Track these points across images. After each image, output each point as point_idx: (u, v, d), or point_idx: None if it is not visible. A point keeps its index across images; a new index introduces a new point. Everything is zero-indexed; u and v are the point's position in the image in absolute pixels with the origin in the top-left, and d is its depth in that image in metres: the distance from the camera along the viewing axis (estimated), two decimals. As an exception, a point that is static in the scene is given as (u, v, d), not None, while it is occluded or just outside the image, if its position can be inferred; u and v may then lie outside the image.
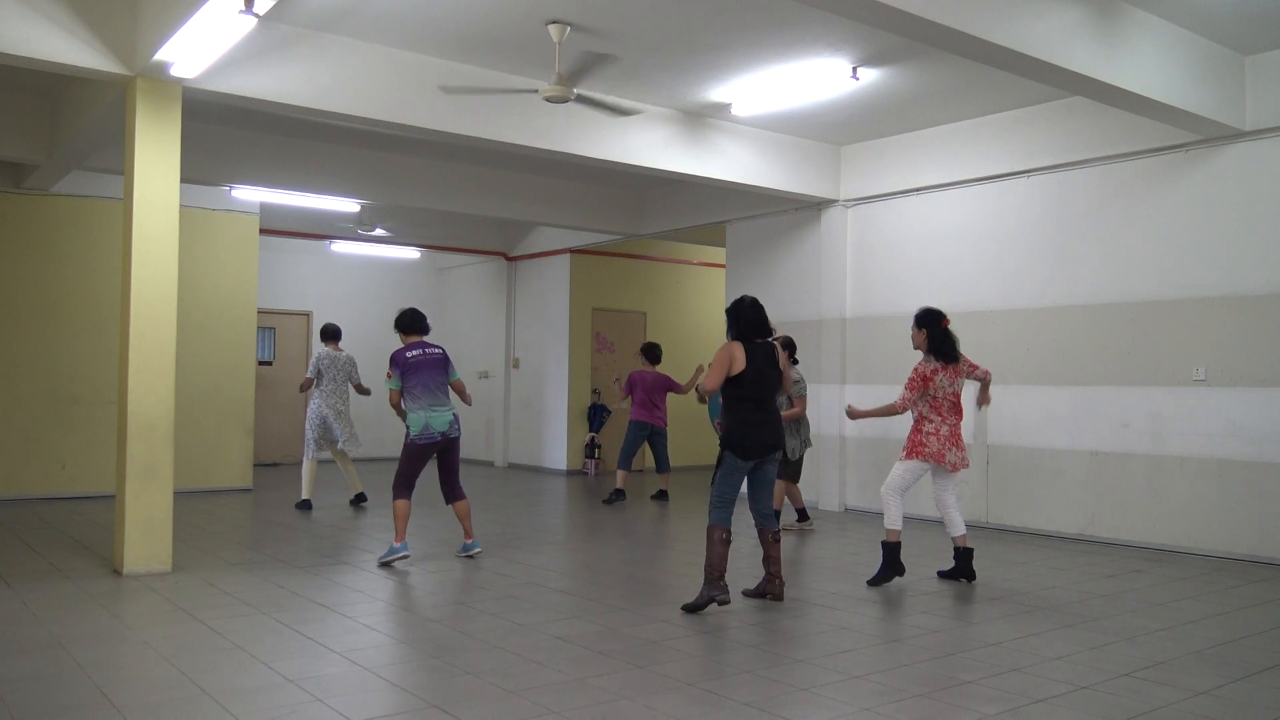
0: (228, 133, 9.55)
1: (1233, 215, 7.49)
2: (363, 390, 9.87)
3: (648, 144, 8.75)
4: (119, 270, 7.68)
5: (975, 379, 6.50)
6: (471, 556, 7.09)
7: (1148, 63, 6.60)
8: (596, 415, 13.83)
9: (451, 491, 7.14)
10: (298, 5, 6.41)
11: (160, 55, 5.87)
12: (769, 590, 5.73)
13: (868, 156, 9.96)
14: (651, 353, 10.64)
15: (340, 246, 14.21)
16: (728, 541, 5.51)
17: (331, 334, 9.86)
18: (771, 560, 5.74)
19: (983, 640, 4.94)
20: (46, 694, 3.93)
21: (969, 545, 6.43)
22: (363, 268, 15.41)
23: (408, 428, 6.92)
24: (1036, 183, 8.70)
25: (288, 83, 6.80)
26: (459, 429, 7.05)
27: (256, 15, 5.26)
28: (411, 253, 14.91)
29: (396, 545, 6.80)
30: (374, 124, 7.39)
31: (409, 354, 6.94)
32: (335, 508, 9.79)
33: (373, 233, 13.53)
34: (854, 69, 7.58)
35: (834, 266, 10.26)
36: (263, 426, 13.77)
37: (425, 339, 7.15)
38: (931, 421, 6.31)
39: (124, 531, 6.29)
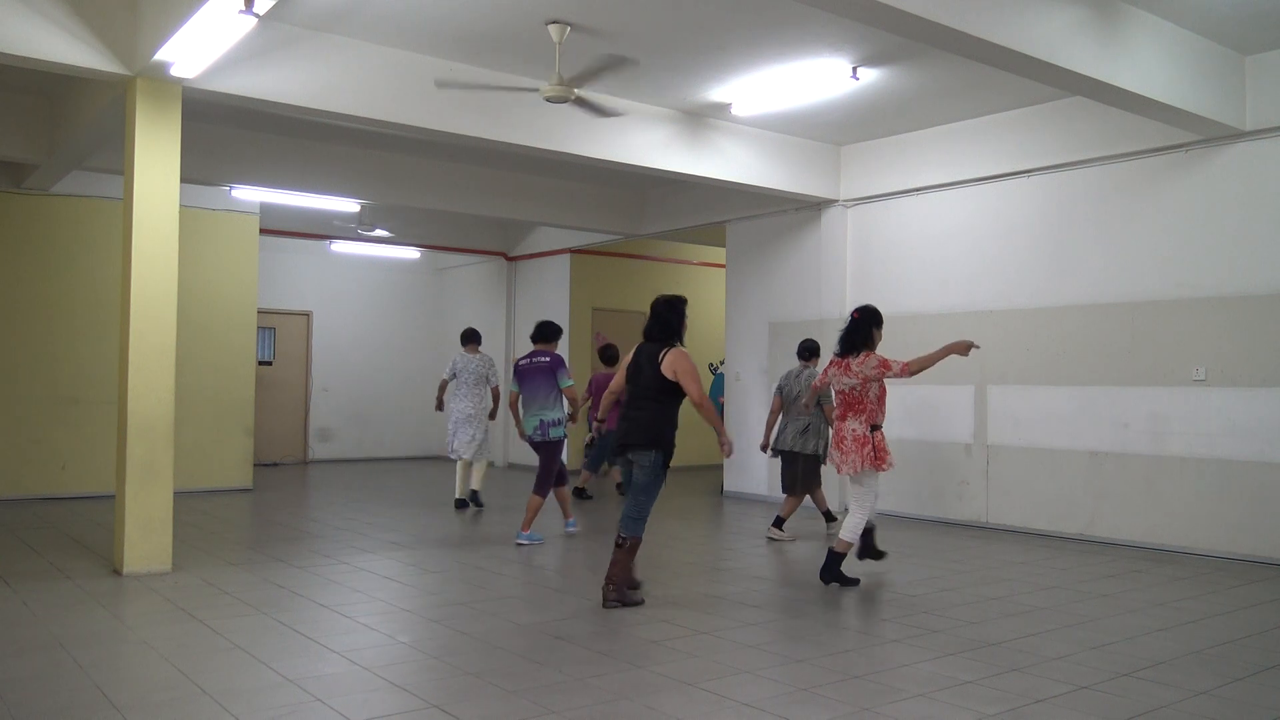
0: (228, 133, 9.54)
1: (1233, 215, 7.49)
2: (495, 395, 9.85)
3: (648, 144, 8.74)
4: (119, 270, 7.68)
5: (886, 377, 6.06)
6: (520, 544, 7.61)
7: (1148, 63, 6.60)
8: (596, 415, 13.80)
9: (542, 483, 7.69)
10: (298, 5, 6.41)
11: (160, 55, 5.87)
12: (603, 595, 5.56)
13: (868, 156, 9.96)
14: (606, 355, 10.65)
15: (340, 246, 14.21)
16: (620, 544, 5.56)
17: (471, 338, 9.82)
18: (611, 563, 5.58)
19: (983, 640, 4.94)
20: (46, 694, 3.93)
21: (840, 552, 6.11)
22: (363, 268, 15.41)
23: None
24: (1037, 182, 8.70)
25: (288, 83, 6.80)
26: (543, 434, 7.64)
27: (256, 15, 5.26)
28: (411, 253, 14.91)
29: (569, 521, 8.17)
30: (374, 124, 7.39)
31: (520, 362, 7.85)
32: (333, 505, 9.79)
33: (372, 233, 13.53)
34: (854, 69, 7.58)
35: (834, 266, 10.25)
36: (263, 426, 13.77)
37: (543, 347, 7.86)
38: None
39: (124, 531, 6.29)
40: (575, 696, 3.95)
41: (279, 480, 12.39)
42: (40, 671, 4.23)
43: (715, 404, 11.01)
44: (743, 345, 11.32)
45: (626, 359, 5.79)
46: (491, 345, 15.04)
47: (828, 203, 10.23)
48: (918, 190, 9.60)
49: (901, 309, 9.53)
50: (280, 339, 14.78)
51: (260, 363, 13.94)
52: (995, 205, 9.01)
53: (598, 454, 10.38)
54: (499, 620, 5.22)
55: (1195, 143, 7.64)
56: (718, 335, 13.76)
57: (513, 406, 7.83)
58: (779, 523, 8.06)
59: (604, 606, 5.48)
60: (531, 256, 14.65)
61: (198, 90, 6.54)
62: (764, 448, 8.35)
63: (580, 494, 10.53)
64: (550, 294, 14.22)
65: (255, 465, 12.14)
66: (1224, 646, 4.88)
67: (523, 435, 7.81)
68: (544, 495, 7.62)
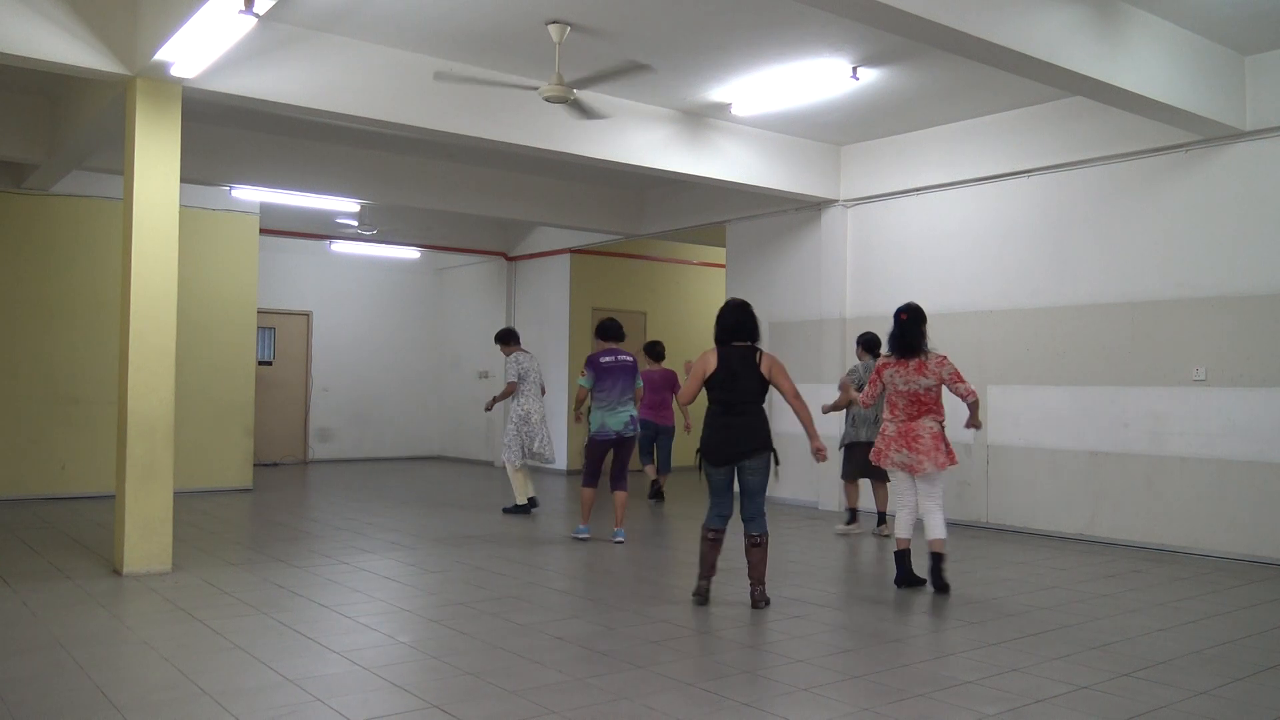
0: (228, 133, 9.55)
1: (1233, 215, 7.49)
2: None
3: (648, 144, 8.75)
4: (119, 270, 7.69)
5: (954, 391, 6.03)
6: (620, 543, 7.78)
7: (1148, 63, 6.60)
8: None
9: (615, 482, 7.90)
10: (298, 5, 6.41)
11: (160, 55, 5.87)
12: (753, 600, 5.57)
13: (868, 156, 9.96)
14: (654, 350, 10.63)
15: (340, 246, 14.21)
16: (711, 540, 5.59)
17: (517, 338, 9.69)
18: (749, 566, 5.60)
19: (983, 640, 4.94)
20: (46, 694, 3.93)
21: (942, 553, 6.04)
22: (363, 268, 15.41)
23: (589, 425, 7.83)
24: (1037, 183, 8.70)
25: (288, 83, 6.80)
26: (633, 430, 7.82)
27: (256, 15, 5.26)
28: (411, 253, 14.91)
29: (582, 526, 7.93)
30: (374, 124, 7.39)
31: (603, 359, 7.83)
32: (333, 505, 9.79)
33: (372, 233, 13.53)
34: (854, 69, 7.58)
35: (834, 266, 10.26)
36: (263, 426, 13.78)
37: (618, 347, 7.98)
38: (884, 421, 6.21)
39: (124, 531, 6.29)
40: (575, 696, 3.95)
41: (279, 480, 12.39)
42: (40, 671, 4.23)
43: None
44: (743, 345, 11.31)
45: (704, 365, 5.59)
46: (491, 344, 15.00)
47: (828, 203, 10.23)
48: (918, 190, 9.60)
49: (901, 309, 9.53)
50: (280, 339, 14.78)
51: (260, 363, 13.95)
52: (995, 205, 9.02)
53: (656, 452, 10.48)
54: (499, 620, 5.22)
55: (1195, 143, 7.64)
56: (718, 335, 13.76)
57: (581, 402, 7.86)
58: (882, 519, 8.40)
59: (756, 607, 5.52)
60: (531, 256, 14.65)
61: (198, 90, 6.54)
62: (827, 410, 8.19)
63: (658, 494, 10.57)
64: (550, 294, 14.22)
65: (255, 465, 12.16)
66: (1224, 646, 4.88)
67: (590, 431, 7.77)
68: (626, 489, 7.88)
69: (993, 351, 8.87)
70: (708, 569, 5.64)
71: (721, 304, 5.81)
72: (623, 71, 7.23)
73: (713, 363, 5.56)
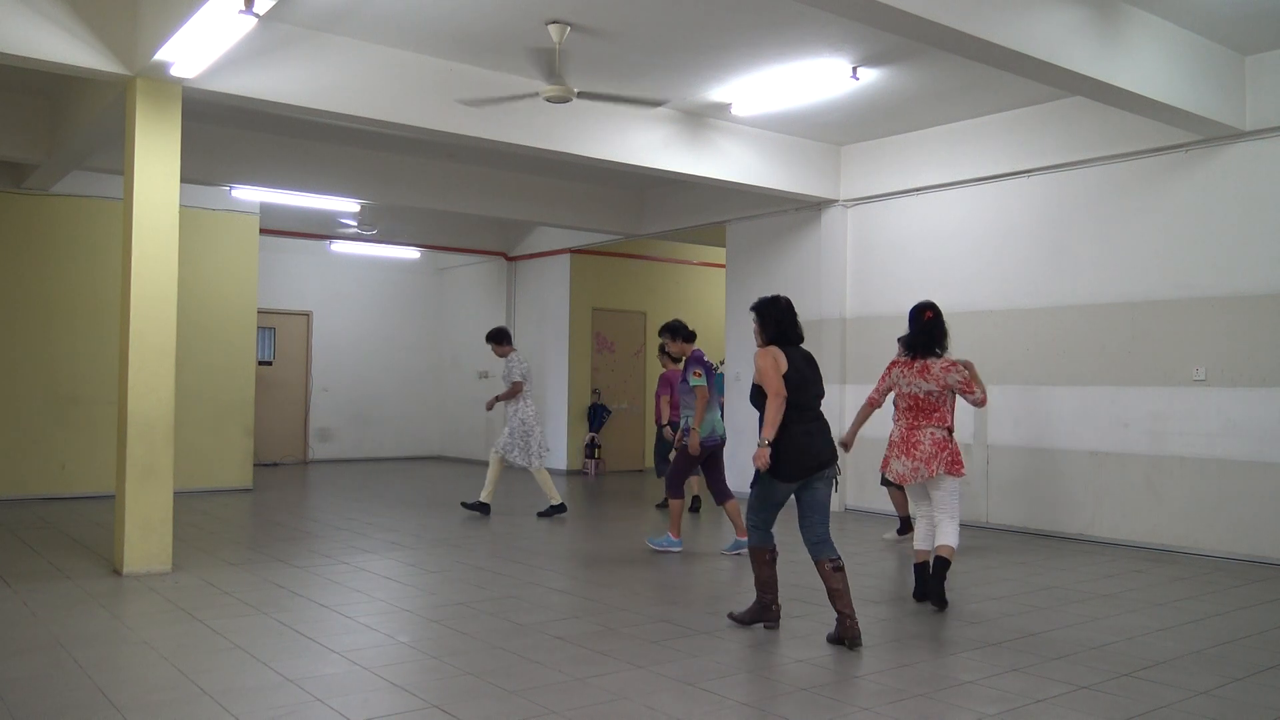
0: (228, 133, 9.54)
1: (1233, 215, 7.49)
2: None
3: (648, 144, 8.74)
4: (119, 270, 7.69)
5: (964, 396, 5.73)
6: (740, 554, 7.26)
7: (1148, 63, 6.60)
8: (596, 415, 13.83)
9: (722, 492, 7.57)
10: (298, 5, 6.41)
11: (160, 55, 5.87)
12: (843, 634, 4.79)
13: (868, 156, 9.96)
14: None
15: (340, 246, 14.22)
16: (770, 561, 5.08)
17: (509, 336, 9.46)
18: (836, 595, 4.83)
19: (983, 640, 4.94)
20: (46, 694, 3.93)
21: (949, 559, 5.68)
22: (363, 268, 15.41)
23: (687, 430, 7.38)
24: (1036, 183, 8.70)
25: (288, 83, 6.80)
26: (723, 439, 7.54)
27: (256, 15, 5.26)
28: (411, 253, 14.92)
29: (674, 539, 7.43)
30: (374, 124, 7.39)
31: (707, 361, 7.54)
32: (333, 505, 9.79)
33: (371, 233, 13.53)
34: (854, 69, 7.58)
35: (834, 266, 10.26)
36: (263, 426, 13.77)
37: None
38: (893, 424, 5.92)
39: (124, 531, 6.29)
40: (575, 696, 3.95)
41: (279, 480, 12.39)
42: (40, 671, 4.23)
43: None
44: (743, 346, 11.29)
45: (779, 362, 4.93)
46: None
47: (828, 203, 10.23)
48: (918, 190, 9.60)
49: (901, 309, 9.45)
50: (280, 339, 14.78)
51: (260, 363, 13.94)
52: (995, 205, 9.02)
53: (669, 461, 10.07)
54: (499, 620, 5.22)
55: (1195, 143, 7.64)
56: (718, 335, 13.76)
57: (704, 409, 7.30)
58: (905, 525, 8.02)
59: (851, 644, 4.76)
60: (531, 256, 14.65)
61: (198, 90, 6.54)
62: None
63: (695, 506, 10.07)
64: (550, 294, 14.22)
65: (255, 465, 12.15)
66: (1224, 646, 4.88)
67: (697, 442, 7.28)
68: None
69: (992, 351, 8.87)
70: (773, 588, 5.12)
71: (769, 299, 5.19)
72: (635, 101, 7.27)
73: (784, 361, 4.95)
